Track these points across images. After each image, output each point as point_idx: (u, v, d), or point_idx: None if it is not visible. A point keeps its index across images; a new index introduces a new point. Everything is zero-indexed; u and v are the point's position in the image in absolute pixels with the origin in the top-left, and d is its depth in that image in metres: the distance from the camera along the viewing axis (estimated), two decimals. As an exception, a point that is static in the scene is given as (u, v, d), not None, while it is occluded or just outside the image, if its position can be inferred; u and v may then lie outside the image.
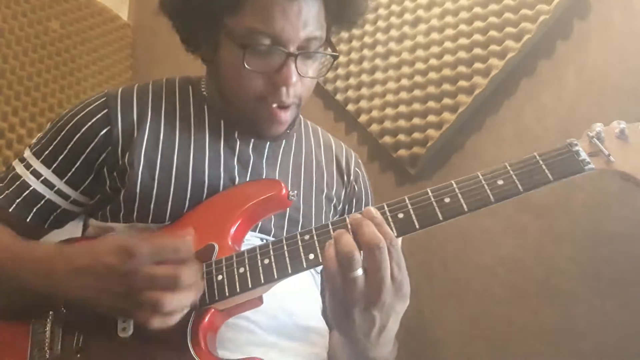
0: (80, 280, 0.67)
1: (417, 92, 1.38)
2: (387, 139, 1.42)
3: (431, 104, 1.35)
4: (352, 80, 1.52)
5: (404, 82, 1.42)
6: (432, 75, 1.36)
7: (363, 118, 1.48)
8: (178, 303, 0.62)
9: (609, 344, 1.06)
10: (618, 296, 1.07)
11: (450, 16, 1.36)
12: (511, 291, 1.20)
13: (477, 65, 1.29)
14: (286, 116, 0.82)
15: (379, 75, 1.47)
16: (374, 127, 1.45)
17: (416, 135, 1.37)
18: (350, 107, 1.51)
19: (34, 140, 0.87)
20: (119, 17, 2.06)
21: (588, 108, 1.16)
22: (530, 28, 1.22)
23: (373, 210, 0.66)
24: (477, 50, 1.30)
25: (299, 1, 0.74)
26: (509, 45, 1.24)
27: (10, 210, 0.82)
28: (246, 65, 0.75)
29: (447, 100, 1.33)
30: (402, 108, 1.40)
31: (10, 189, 0.83)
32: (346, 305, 0.64)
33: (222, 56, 0.80)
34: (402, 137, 1.39)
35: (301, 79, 0.79)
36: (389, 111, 1.43)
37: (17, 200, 0.82)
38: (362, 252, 0.62)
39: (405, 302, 0.65)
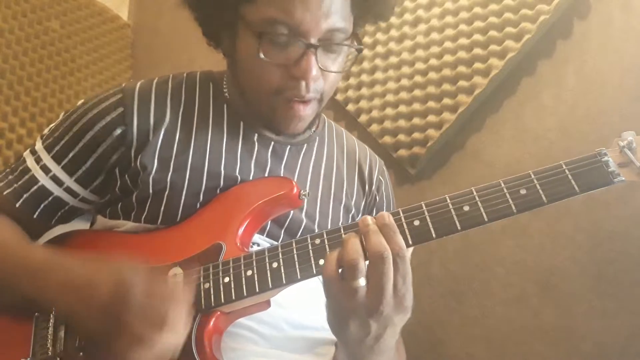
0: (69, 298, 0.63)
1: (417, 92, 1.38)
2: (387, 139, 1.42)
3: (431, 104, 1.35)
4: (352, 80, 1.51)
5: (404, 82, 1.41)
6: (432, 75, 1.36)
7: (363, 118, 1.48)
8: (160, 343, 0.58)
9: (609, 344, 1.06)
10: (618, 296, 1.07)
11: (450, 16, 1.36)
12: (511, 291, 1.20)
13: (477, 65, 1.29)
14: (306, 111, 0.78)
15: (379, 75, 1.47)
16: (374, 127, 1.45)
17: (416, 135, 1.37)
18: (350, 107, 1.51)
19: (46, 131, 0.84)
20: (119, 17, 2.06)
21: (588, 108, 1.16)
22: (530, 28, 1.22)
23: (386, 216, 0.63)
24: (477, 50, 1.30)
25: None
26: (509, 45, 1.24)
27: (17, 205, 0.79)
28: (262, 56, 0.71)
29: (447, 100, 1.33)
30: (402, 108, 1.40)
31: (19, 183, 0.80)
32: (343, 313, 0.62)
33: (239, 48, 0.77)
34: (402, 137, 1.39)
35: (323, 73, 0.75)
36: (389, 111, 1.43)
37: (25, 195, 0.80)
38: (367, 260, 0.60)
39: (405, 315, 0.63)
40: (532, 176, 0.63)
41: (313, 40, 0.72)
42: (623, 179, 0.62)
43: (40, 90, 1.69)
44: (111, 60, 1.98)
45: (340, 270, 0.62)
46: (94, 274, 0.63)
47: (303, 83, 0.74)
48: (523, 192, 0.63)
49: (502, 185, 0.64)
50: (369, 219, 0.63)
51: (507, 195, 0.63)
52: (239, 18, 0.74)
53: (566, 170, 0.63)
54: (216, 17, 0.78)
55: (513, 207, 0.63)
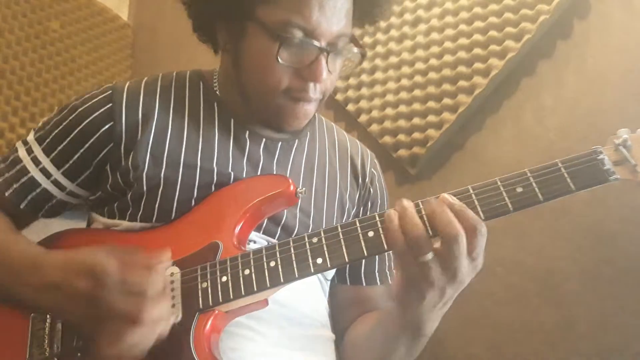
0: (49, 296, 0.65)
1: (417, 92, 1.38)
2: (387, 139, 1.42)
3: (431, 104, 1.35)
4: (352, 80, 1.51)
5: (404, 82, 1.41)
6: (432, 75, 1.36)
7: (363, 118, 1.48)
8: (138, 337, 0.59)
9: (609, 344, 1.06)
10: (618, 296, 1.07)
11: (450, 16, 1.36)
12: (511, 291, 1.20)
13: (477, 65, 1.29)
14: (309, 110, 0.80)
15: (379, 75, 1.47)
16: (374, 127, 1.45)
17: (416, 135, 1.37)
18: (350, 107, 1.51)
19: (39, 124, 0.86)
20: (119, 17, 2.06)
21: (588, 108, 1.16)
22: (530, 28, 1.22)
23: (449, 197, 0.62)
24: (477, 50, 1.30)
25: None
26: (509, 45, 1.24)
27: (6, 194, 0.81)
28: (279, 60, 0.73)
29: (447, 100, 1.33)
30: (402, 108, 1.40)
31: (10, 172, 0.82)
32: (421, 287, 0.61)
33: (247, 47, 0.77)
34: (402, 137, 1.39)
35: (328, 74, 0.77)
36: (389, 111, 1.43)
37: (15, 185, 0.81)
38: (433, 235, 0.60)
39: (475, 273, 0.63)
40: (529, 174, 0.64)
41: (323, 44, 0.74)
42: (618, 177, 0.62)
43: (40, 90, 1.69)
44: (111, 60, 1.98)
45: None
46: (68, 267, 0.64)
47: (312, 85, 0.76)
48: (519, 190, 0.63)
49: (499, 183, 0.64)
50: (431, 200, 0.63)
51: (504, 193, 0.63)
52: (250, 17, 0.74)
53: (562, 169, 0.63)
54: (220, 13, 0.78)
55: (509, 205, 0.63)
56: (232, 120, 0.86)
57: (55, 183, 0.82)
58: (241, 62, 0.79)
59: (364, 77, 1.49)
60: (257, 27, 0.74)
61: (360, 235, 0.66)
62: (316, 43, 0.73)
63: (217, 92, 0.88)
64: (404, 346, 0.75)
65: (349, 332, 0.90)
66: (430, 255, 0.59)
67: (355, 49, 0.81)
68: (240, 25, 0.76)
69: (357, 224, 0.67)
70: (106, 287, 0.60)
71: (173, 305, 0.68)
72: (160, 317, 0.61)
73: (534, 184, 0.63)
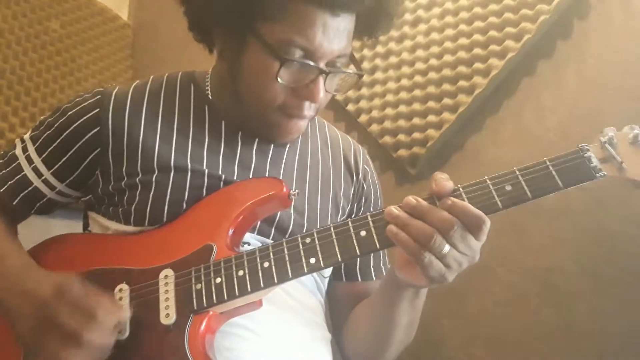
0: (16, 300, 0.68)
1: (417, 92, 1.38)
2: (387, 139, 1.42)
3: (431, 104, 1.35)
4: (352, 80, 1.51)
5: (404, 82, 1.42)
6: (432, 75, 1.36)
7: (363, 118, 1.48)
8: (73, 357, 0.62)
9: (609, 344, 1.06)
10: (618, 296, 1.07)
11: (450, 16, 1.36)
12: (511, 291, 1.20)
13: (477, 65, 1.29)
14: (302, 126, 0.82)
15: (379, 75, 1.47)
16: (374, 127, 1.45)
17: (416, 135, 1.37)
18: (350, 107, 1.51)
19: (37, 123, 0.88)
20: (119, 17, 2.06)
21: (588, 108, 1.16)
22: (530, 28, 1.22)
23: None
24: (477, 50, 1.30)
25: (341, 18, 0.73)
26: (509, 45, 1.24)
27: (1, 191, 0.83)
28: (279, 80, 0.73)
29: (447, 100, 1.33)
30: (402, 108, 1.40)
31: (7, 169, 0.84)
32: (445, 276, 0.65)
33: (246, 61, 0.77)
34: (402, 137, 1.39)
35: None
36: (389, 111, 1.43)
37: (10, 182, 0.83)
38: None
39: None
40: (517, 172, 0.65)
41: (322, 64, 0.74)
42: (605, 173, 0.63)
43: (40, 90, 1.69)
44: (111, 60, 1.98)
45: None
46: (44, 279, 0.68)
47: (307, 103, 0.77)
48: (508, 188, 0.64)
49: (488, 182, 0.65)
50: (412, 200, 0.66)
51: (493, 191, 0.65)
52: (251, 31, 0.74)
53: (550, 167, 0.64)
54: (221, 23, 0.78)
55: (499, 203, 0.64)
56: (224, 123, 0.86)
57: (46, 182, 0.84)
58: (239, 74, 0.79)
59: (364, 77, 1.49)
60: (258, 43, 0.74)
61: (353, 235, 0.67)
62: (315, 64, 0.73)
63: (209, 95, 0.88)
64: (406, 314, 0.78)
65: (346, 322, 0.91)
66: (447, 248, 0.62)
67: (353, 69, 0.81)
68: (240, 37, 0.76)
69: (350, 224, 0.68)
70: (62, 300, 0.63)
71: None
72: (100, 344, 0.63)
73: (523, 182, 0.64)
